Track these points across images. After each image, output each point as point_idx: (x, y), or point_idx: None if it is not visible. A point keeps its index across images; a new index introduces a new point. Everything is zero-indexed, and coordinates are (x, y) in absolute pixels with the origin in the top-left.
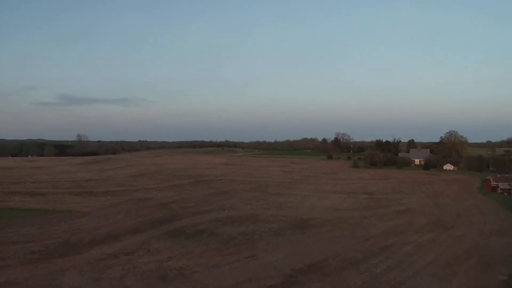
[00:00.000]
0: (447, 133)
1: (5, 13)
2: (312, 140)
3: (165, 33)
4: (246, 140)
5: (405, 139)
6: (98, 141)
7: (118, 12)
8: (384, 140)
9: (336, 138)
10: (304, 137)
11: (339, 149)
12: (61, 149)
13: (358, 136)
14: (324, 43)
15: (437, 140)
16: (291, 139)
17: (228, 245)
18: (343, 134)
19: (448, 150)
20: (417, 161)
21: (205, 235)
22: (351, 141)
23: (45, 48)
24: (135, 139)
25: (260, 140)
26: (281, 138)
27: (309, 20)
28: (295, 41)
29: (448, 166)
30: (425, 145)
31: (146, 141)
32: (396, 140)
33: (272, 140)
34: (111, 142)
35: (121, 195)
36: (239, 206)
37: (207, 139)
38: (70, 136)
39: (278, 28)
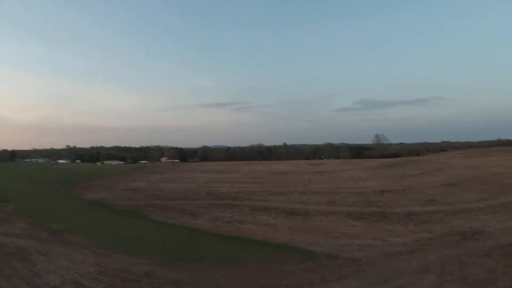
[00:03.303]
0: None
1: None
2: None
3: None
4: None
5: None
6: (400, 143)
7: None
8: None
9: None
10: None
11: None
12: (358, 151)
13: None
14: None
15: None
16: None
17: None
18: None
19: None
20: None
21: None
22: None
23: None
24: (438, 140)
25: None
26: None
27: None
28: None
29: None
30: None
31: (449, 141)
32: None
33: None
34: (413, 144)
35: (430, 223)
36: None
37: None
38: (369, 139)
39: None
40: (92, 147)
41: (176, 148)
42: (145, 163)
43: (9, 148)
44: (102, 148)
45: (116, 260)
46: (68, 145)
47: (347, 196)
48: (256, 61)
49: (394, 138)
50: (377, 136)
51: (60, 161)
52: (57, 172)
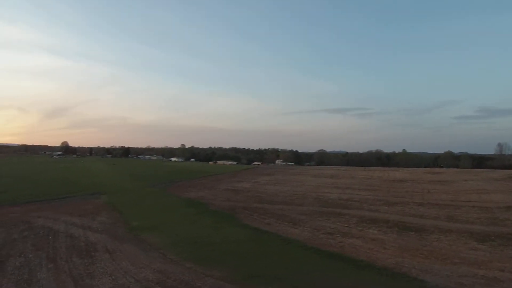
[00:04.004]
0: None
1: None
2: None
3: None
4: None
5: None
6: None
7: None
8: None
9: None
10: None
11: None
12: (479, 161)
13: None
14: None
15: None
16: None
17: None
18: None
19: None
20: None
21: None
22: None
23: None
24: None
25: None
26: None
27: None
28: None
29: None
30: None
31: None
32: None
33: None
34: None
35: None
36: None
37: None
38: (491, 149)
39: None
40: (210, 148)
41: (292, 151)
42: (258, 164)
43: (127, 145)
44: (220, 149)
45: (184, 269)
46: (183, 144)
47: (470, 211)
48: (378, 67)
49: None
50: (500, 145)
51: (173, 159)
52: (164, 169)
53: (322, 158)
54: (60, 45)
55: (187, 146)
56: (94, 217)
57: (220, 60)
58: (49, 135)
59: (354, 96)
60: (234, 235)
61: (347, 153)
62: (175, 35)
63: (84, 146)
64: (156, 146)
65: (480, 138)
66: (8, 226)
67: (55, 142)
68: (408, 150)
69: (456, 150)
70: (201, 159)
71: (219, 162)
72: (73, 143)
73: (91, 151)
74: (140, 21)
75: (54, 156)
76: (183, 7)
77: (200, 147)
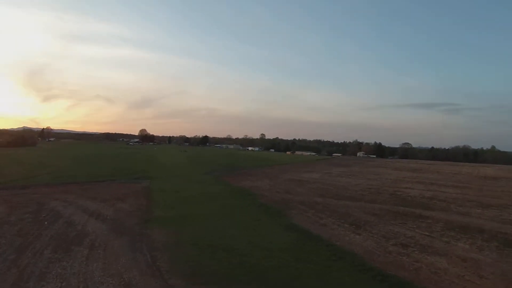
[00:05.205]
0: None
1: None
2: None
3: None
4: None
5: None
6: None
7: None
8: None
9: None
10: None
11: None
12: None
13: None
14: None
15: None
16: None
17: None
18: None
19: None
20: None
21: None
22: None
23: None
24: None
25: None
26: None
27: None
28: None
29: None
30: None
31: None
32: None
33: None
34: None
35: None
36: None
37: None
38: None
39: None
40: (294, 139)
41: (375, 144)
42: (338, 155)
43: (210, 135)
44: (304, 140)
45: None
46: (262, 134)
47: None
48: (469, 62)
49: None
50: None
51: (250, 148)
52: (235, 157)
53: (406, 152)
54: (152, 40)
55: (271, 138)
56: (115, 204)
57: (307, 55)
58: (133, 125)
59: (442, 91)
60: (270, 239)
61: (432, 148)
62: (267, 30)
63: (166, 135)
64: (238, 137)
65: None
66: (18, 207)
67: (137, 131)
68: (497, 148)
69: None
70: (281, 150)
71: (297, 152)
72: (156, 132)
73: (169, 139)
74: (231, 16)
75: (130, 143)
76: (276, 3)
77: (285, 138)
